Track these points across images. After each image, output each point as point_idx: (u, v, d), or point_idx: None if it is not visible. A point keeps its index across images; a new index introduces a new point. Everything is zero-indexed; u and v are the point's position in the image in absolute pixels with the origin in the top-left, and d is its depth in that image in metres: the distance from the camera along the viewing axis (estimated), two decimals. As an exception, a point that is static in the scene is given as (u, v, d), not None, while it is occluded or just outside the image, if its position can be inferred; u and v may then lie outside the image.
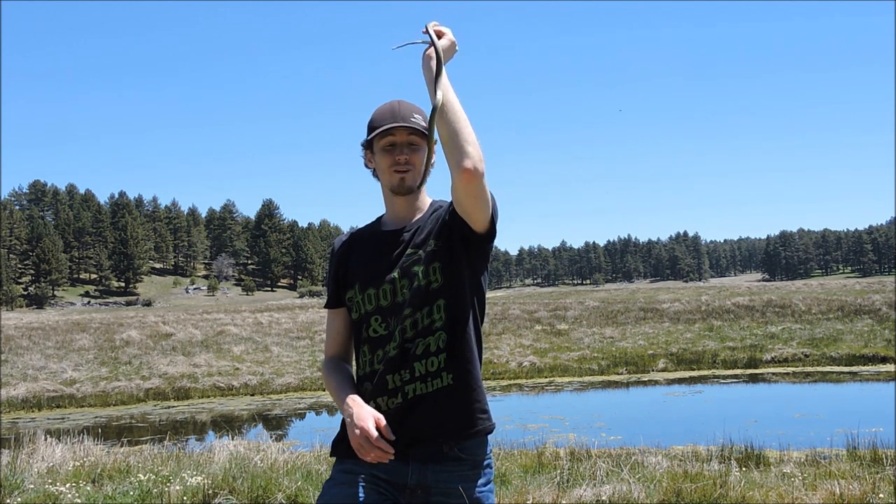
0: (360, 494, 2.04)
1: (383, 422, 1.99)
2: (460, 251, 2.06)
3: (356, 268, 2.17)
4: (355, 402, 2.03)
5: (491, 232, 2.06)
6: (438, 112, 1.91)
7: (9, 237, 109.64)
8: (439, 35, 2.00)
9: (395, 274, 2.08)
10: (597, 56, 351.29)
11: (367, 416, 1.98)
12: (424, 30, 2.00)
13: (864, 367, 15.80)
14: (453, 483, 2.06)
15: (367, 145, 2.17)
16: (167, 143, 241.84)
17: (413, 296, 2.05)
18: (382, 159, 2.12)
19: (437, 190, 2.37)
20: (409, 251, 2.09)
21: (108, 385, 15.68)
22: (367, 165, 2.20)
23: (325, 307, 2.27)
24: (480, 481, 2.10)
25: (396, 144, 2.11)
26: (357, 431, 1.96)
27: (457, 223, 2.04)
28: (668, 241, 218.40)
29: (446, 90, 1.94)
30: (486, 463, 2.12)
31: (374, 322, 2.10)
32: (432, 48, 1.98)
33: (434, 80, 1.95)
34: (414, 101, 2.18)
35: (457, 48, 2.04)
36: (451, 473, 2.06)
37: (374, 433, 1.94)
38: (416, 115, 2.12)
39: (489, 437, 2.16)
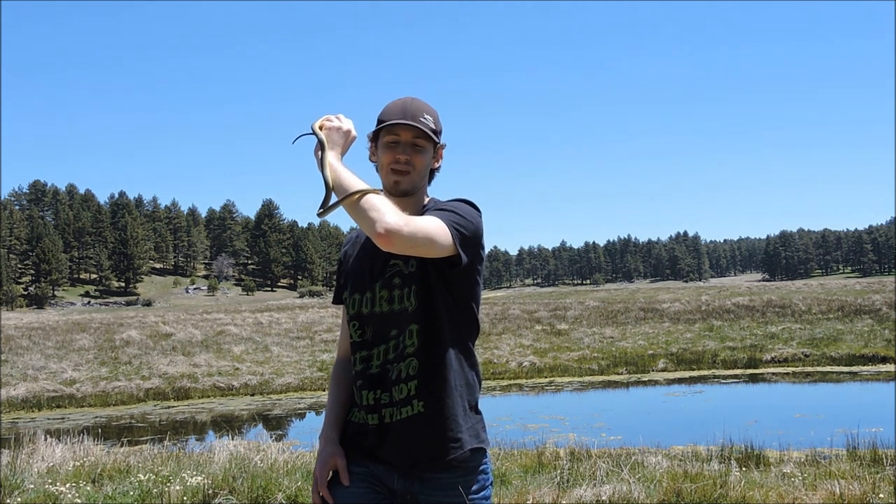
0: (358, 493, 2.04)
1: (341, 463, 2.08)
2: (435, 276, 2.03)
3: (350, 270, 2.17)
4: (326, 442, 2.12)
5: (456, 258, 1.98)
6: (335, 195, 1.92)
7: (9, 237, 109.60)
8: (322, 127, 2.03)
9: (377, 283, 2.07)
10: (597, 56, 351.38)
11: (322, 468, 2.09)
12: (311, 130, 2.05)
13: (864, 367, 15.80)
14: (442, 490, 2.03)
15: (374, 138, 2.14)
16: (167, 143, 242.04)
17: (395, 318, 2.04)
18: (384, 155, 2.09)
19: (434, 189, 2.36)
20: (392, 261, 2.05)
21: (108, 385, 15.67)
22: (371, 159, 2.17)
23: (332, 303, 2.28)
24: (474, 488, 2.05)
25: (400, 143, 2.07)
26: (317, 474, 2.10)
27: None
28: (668, 241, 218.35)
29: (334, 170, 1.94)
30: (480, 469, 2.08)
31: (353, 327, 2.11)
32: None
33: (320, 165, 1.97)
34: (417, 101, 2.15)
35: (354, 135, 2.04)
36: (440, 481, 2.03)
37: (318, 498, 2.08)
38: (426, 116, 2.08)
39: (487, 439, 2.13)
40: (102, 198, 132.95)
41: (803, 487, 5.05)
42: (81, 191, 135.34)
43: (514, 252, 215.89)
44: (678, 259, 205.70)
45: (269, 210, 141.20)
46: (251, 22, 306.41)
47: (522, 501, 4.86)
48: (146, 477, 5.43)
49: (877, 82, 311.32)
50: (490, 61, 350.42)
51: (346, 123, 2.04)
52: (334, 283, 2.29)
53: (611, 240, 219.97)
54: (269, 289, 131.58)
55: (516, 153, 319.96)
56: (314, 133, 2.03)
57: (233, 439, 7.51)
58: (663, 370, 16.57)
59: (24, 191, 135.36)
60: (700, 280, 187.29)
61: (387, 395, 2.03)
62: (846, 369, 15.78)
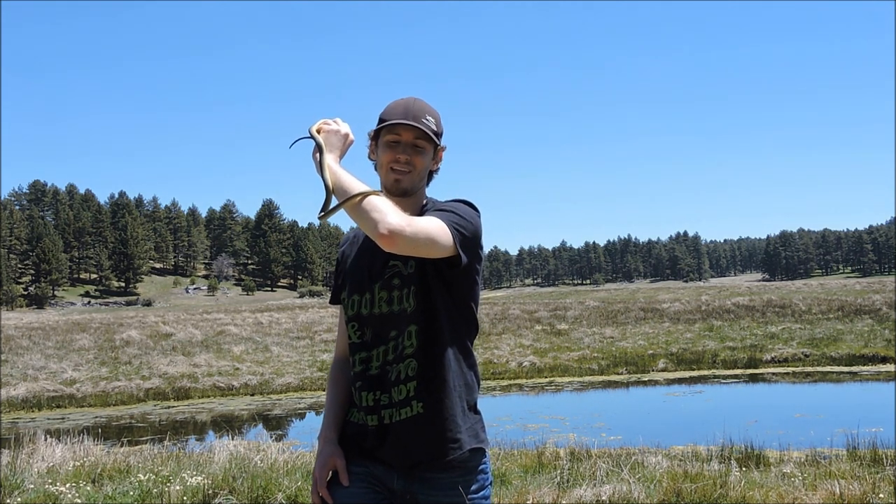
0: (358, 493, 2.05)
1: (340, 464, 2.07)
2: (434, 276, 2.03)
3: (348, 270, 2.16)
4: (325, 442, 2.12)
5: (456, 259, 1.99)
6: (335, 197, 1.92)
7: (9, 237, 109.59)
8: (319, 130, 2.03)
9: (377, 284, 2.06)
10: (597, 56, 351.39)
11: (321, 469, 2.09)
12: (309, 134, 2.05)
13: (864, 367, 15.80)
14: (442, 490, 2.03)
15: (374, 136, 2.14)
16: (167, 143, 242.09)
17: (394, 319, 2.04)
18: (384, 154, 2.08)
19: (434, 189, 2.37)
20: (392, 262, 2.05)
21: (108, 385, 15.67)
22: (370, 157, 2.17)
23: (329, 303, 2.28)
24: (473, 487, 2.05)
25: (400, 143, 2.07)
26: (316, 475, 2.10)
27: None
28: (668, 241, 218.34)
29: (334, 173, 1.94)
30: (479, 468, 2.08)
31: (351, 329, 2.11)
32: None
33: (319, 168, 1.97)
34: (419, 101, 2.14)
35: (352, 138, 2.05)
36: (440, 481, 2.03)
37: (317, 499, 2.09)
38: (428, 118, 2.08)
39: (486, 439, 2.13)
40: (102, 198, 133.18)
41: (803, 487, 5.05)
42: (81, 191, 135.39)
43: (514, 252, 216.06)
44: (678, 259, 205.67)
45: (269, 210, 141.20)
46: (251, 22, 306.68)
47: (522, 501, 4.86)
48: (146, 477, 5.43)
49: (877, 82, 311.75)
50: (490, 61, 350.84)
51: (344, 127, 2.05)
52: (333, 282, 2.29)
53: (611, 240, 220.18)
54: (269, 289, 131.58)
55: (516, 153, 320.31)
56: (312, 137, 2.03)
57: (233, 439, 7.50)
58: (663, 370, 16.57)
59: (24, 191, 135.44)
60: (700, 280, 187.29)
61: (386, 397, 2.03)
62: (846, 369, 15.78)
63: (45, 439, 6.76)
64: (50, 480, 5.43)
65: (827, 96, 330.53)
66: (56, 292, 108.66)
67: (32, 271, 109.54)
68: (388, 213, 1.84)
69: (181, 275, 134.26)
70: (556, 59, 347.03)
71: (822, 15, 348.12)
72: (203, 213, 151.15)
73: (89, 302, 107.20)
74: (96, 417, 13.16)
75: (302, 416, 13.11)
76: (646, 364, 16.97)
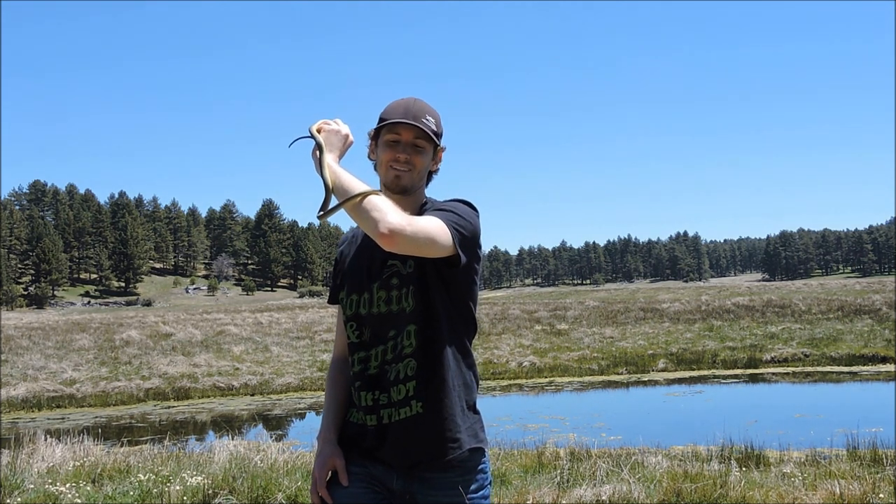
0: (357, 493, 2.05)
1: (339, 464, 2.08)
2: (433, 276, 2.03)
3: (347, 270, 2.16)
4: (324, 443, 2.12)
5: (455, 258, 2.00)
6: (335, 196, 1.92)
7: (9, 237, 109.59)
8: (320, 130, 2.04)
9: (375, 284, 2.06)
10: (597, 56, 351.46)
11: (320, 469, 2.09)
12: (309, 133, 2.05)
13: (864, 367, 15.80)
14: (441, 490, 2.03)
15: (374, 136, 2.14)
16: (167, 143, 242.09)
17: (393, 319, 2.04)
18: (384, 153, 2.09)
19: (434, 189, 2.37)
20: (390, 262, 2.05)
21: (108, 385, 15.67)
22: (369, 157, 2.17)
23: (328, 302, 2.28)
24: (472, 487, 2.05)
25: (400, 142, 2.07)
26: (315, 475, 2.10)
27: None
28: (668, 241, 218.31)
29: (334, 172, 1.94)
30: (479, 468, 2.08)
31: (350, 328, 2.11)
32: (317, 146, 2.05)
33: (319, 168, 1.97)
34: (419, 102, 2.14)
35: (351, 140, 2.05)
36: (439, 481, 2.03)
37: (317, 499, 2.09)
38: (428, 118, 2.08)
39: (486, 439, 2.13)
40: (102, 198, 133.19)
41: (803, 487, 5.05)
42: (81, 191, 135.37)
43: (514, 252, 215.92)
44: (678, 259, 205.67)
45: (269, 210, 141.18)
46: (251, 22, 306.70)
47: (522, 501, 4.86)
48: (146, 477, 5.43)
49: (877, 82, 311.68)
50: (490, 61, 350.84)
51: (344, 128, 2.05)
52: (332, 281, 2.29)
53: (611, 240, 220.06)
54: (269, 289, 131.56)
55: (516, 153, 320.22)
56: (312, 136, 2.03)
57: (233, 439, 7.50)
58: (663, 370, 16.57)
59: (24, 191, 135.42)
60: (700, 280, 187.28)
61: (385, 396, 2.03)
62: (846, 369, 15.78)
63: (45, 439, 6.76)
64: (50, 480, 5.43)
65: (827, 96, 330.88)
66: (56, 292, 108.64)
67: (32, 271, 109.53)
68: (389, 213, 1.84)
69: (181, 275, 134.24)
70: (556, 59, 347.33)
71: (822, 15, 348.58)
72: (203, 213, 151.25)
73: (89, 302, 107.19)
74: (96, 417, 13.16)
75: (302, 416, 13.11)
76: (646, 364, 16.97)
